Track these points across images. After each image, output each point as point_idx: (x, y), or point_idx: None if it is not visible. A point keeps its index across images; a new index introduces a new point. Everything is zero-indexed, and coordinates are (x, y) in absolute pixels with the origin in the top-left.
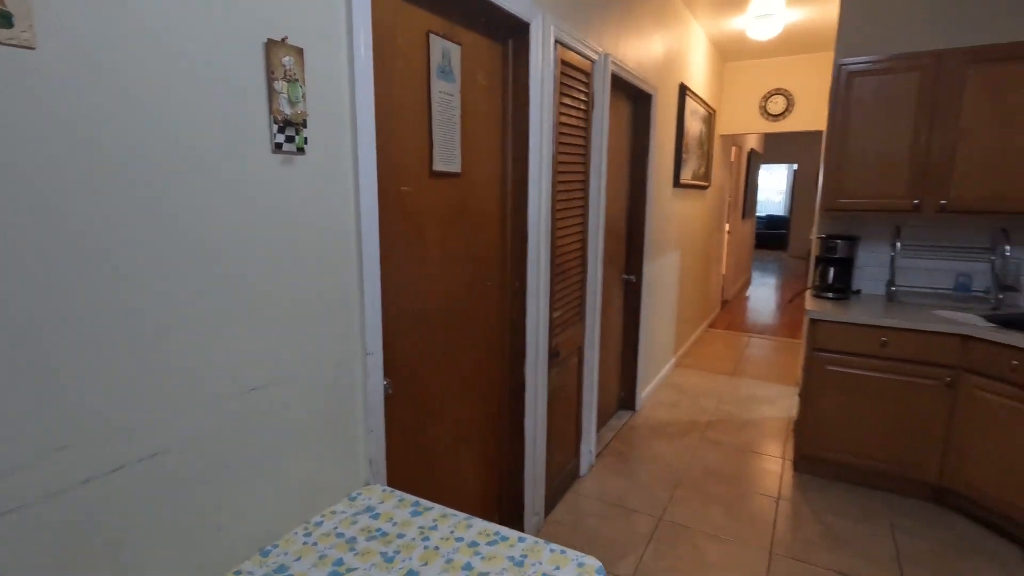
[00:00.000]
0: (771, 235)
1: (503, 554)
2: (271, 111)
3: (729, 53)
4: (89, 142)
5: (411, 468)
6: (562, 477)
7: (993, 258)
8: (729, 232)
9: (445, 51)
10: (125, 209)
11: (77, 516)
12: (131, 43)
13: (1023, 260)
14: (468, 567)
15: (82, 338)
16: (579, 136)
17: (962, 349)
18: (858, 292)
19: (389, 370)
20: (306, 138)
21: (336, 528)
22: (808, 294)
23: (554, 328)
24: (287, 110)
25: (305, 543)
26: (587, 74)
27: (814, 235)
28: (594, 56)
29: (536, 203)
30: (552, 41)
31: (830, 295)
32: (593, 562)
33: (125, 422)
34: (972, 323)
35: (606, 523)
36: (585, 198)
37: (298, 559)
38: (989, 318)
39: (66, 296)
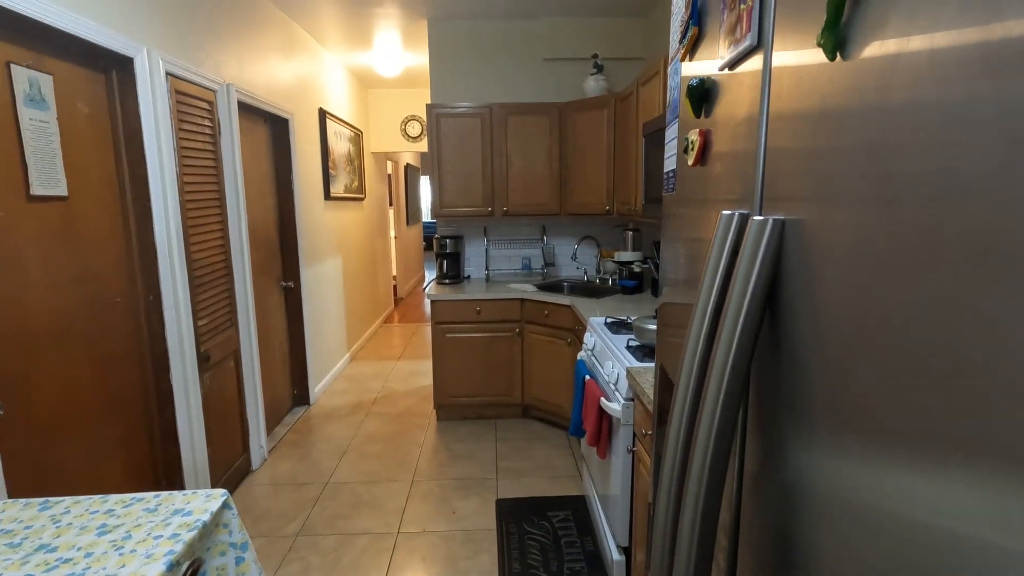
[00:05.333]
0: None
1: (139, 509)
2: None
3: (369, 82)
4: None
5: (43, 483)
6: (231, 474)
7: (541, 245)
8: (396, 238)
9: (32, 80)
10: None
11: None
12: None
13: (555, 246)
14: (103, 527)
15: None
16: (208, 158)
17: (522, 308)
18: (468, 277)
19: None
20: None
21: None
22: (435, 283)
23: (202, 335)
24: None
25: None
26: (210, 102)
27: (437, 235)
28: (215, 86)
29: (163, 221)
30: (163, 73)
31: (447, 281)
32: (218, 491)
33: None
34: (526, 290)
35: (276, 501)
36: (223, 214)
37: None
38: (537, 286)
39: None
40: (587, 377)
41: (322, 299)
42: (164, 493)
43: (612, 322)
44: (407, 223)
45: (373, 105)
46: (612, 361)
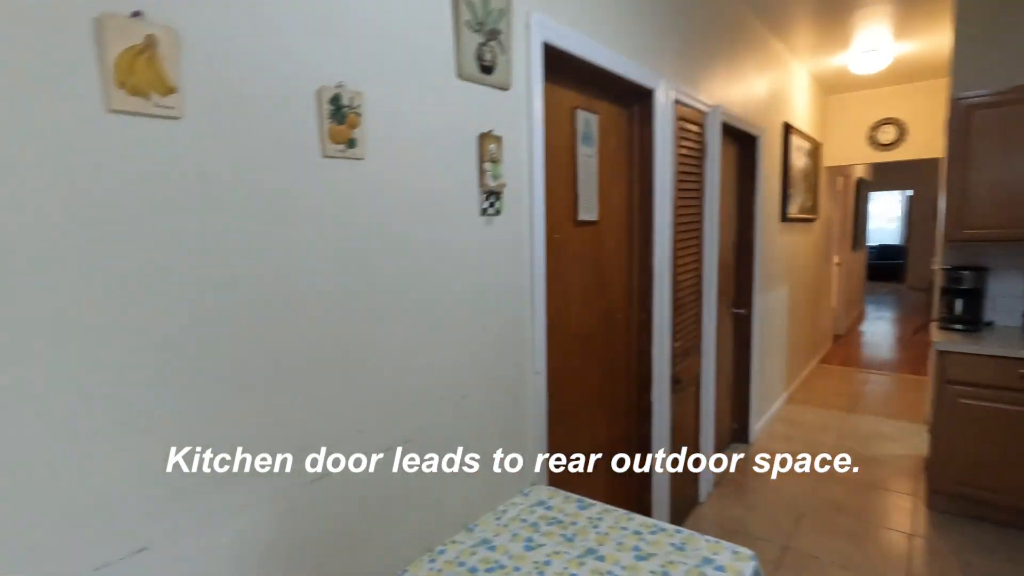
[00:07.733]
0: (885, 266)
1: (664, 541)
2: (480, 184)
3: (831, 87)
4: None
5: (561, 473)
6: (683, 500)
7: None
8: (839, 264)
9: (586, 121)
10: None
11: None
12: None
13: None
14: (637, 549)
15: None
16: (694, 180)
17: None
18: (990, 324)
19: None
20: (503, 203)
21: (519, 515)
22: (934, 326)
23: (675, 357)
24: (491, 183)
25: (497, 524)
26: (700, 125)
27: (937, 266)
28: (705, 109)
29: (660, 243)
30: (672, 101)
31: (958, 327)
32: (746, 551)
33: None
34: None
35: None
36: (700, 236)
37: (496, 535)
38: None
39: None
40: None
41: (768, 330)
42: (684, 531)
43: None
44: (852, 247)
45: (832, 113)
46: None
